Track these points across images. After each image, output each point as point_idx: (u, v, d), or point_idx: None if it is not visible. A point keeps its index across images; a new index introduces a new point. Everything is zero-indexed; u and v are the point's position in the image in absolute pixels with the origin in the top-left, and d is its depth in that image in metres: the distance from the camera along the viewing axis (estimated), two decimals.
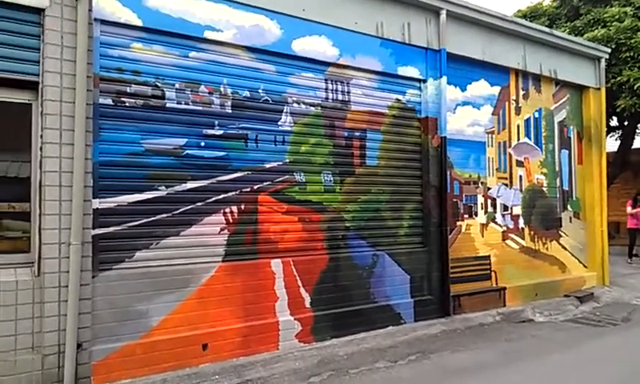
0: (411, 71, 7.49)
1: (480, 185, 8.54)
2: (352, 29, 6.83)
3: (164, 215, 5.44)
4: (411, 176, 7.50)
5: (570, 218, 10.05)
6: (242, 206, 5.93)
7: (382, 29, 7.14)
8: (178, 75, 5.61)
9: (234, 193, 5.88)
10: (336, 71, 6.77)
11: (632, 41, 12.26)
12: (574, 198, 10.23)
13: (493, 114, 8.80)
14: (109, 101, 5.22)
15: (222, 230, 5.77)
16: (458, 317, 7.58)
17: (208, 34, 5.75)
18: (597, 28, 12.95)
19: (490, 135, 8.75)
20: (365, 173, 7.00)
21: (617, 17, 12.84)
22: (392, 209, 7.25)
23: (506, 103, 9.02)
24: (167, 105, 5.53)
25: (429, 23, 7.65)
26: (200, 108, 5.72)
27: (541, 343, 6.69)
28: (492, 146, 8.78)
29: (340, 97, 6.83)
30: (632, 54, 12.25)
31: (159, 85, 5.49)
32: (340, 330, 6.47)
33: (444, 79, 7.69)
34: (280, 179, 6.23)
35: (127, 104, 5.33)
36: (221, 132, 5.83)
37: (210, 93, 5.79)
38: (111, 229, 5.17)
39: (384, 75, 7.23)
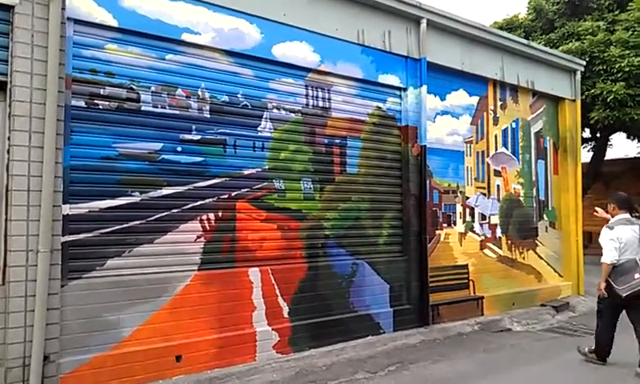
0: (392, 79, 7.45)
1: (459, 194, 8.54)
2: (333, 35, 6.77)
3: (137, 222, 5.25)
4: (391, 184, 7.45)
5: (546, 227, 10.14)
6: (220, 213, 5.78)
7: (363, 36, 7.09)
8: (154, 78, 5.45)
9: (211, 199, 5.72)
10: (317, 77, 6.69)
11: (605, 54, 12.48)
12: (550, 208, 10.33)
13: (471, 123, 8.83)
14: (81, 103, 5.03)
15: (198, 237, 5.60)
16: (436, 326, 7.53)
17: (186, 37, 5.61)
18: (571, 41, 13.18)
19: (468, 145, 8.77)
20: (345, 180, 6.91)
21: (590, 30, 13.08)
22: (372, 217, 7.18)
23: (485, 113, 9.07)
24: (142, 108, 5.36)
25: (409, 32, 7.64)
26: (177, 112, 5.56)
27: (520, 353, 6.68)
28: (470, 155, 8.81)
29: (320, 103, 6.74)
30: (605, 67, 12.47)
31: (134, 87, 5.32)
32: (319, 340, 6.34)
33: (424, 88, 7.68)
34: (259, 186, 6.09)
35: (101, 106, 5.14)
36: (198, 137, 5.68)
37: (187, 97, 5.64)
38: (82, 236, 4.96)
39: (365, 83, 7.18)
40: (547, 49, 10.20)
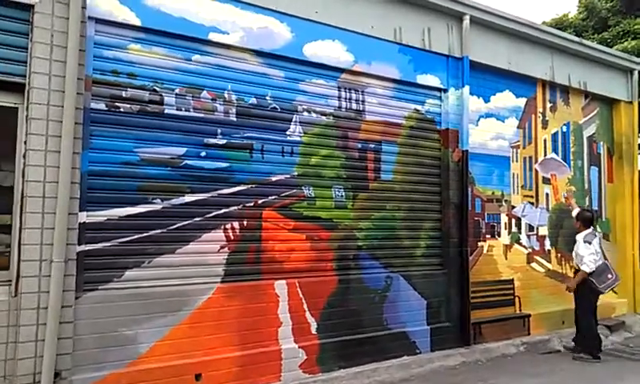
0: (431, 80, 6.98)
1: (504, 203, 7.96)
2: (368, 33, 6.36)
3: (158, 231, 4.98)
4: (429, 192, 6.96)
5: (600, 239, 9.36)
6: (245, 222, 5.45)
7: (401, 34, 6.65)
8: (179, 79, 5.18)
9: (236, 207, 5.40)
10: (350, 78, 6.30)
11: None
12: (604, 219, 9.57)
13: (518, 127, 8.24)
14: (102, 105, 4.80)
15: (221, 247, 5.30)
16: (478, 347, 6.98)
17: (212, 36, 5.32)
18: (627, 40, 12.33)
19: (514, 149, 8.18)
20: (379, 188, 6.48)
21: None
22: (408, 227, 6.72)
23: (532, 116, 8.45)
24: (166, 111, 5.09)
25: (451, 29, 7.15)
26: (201, 115, 5.28)
27: (570, 379, 6.08)
28: (517, 161, 8.21)
29: (354, 106, 6.34)
30: None
31: (157, 89, 5.06)
32: (349, 359, 5.93)
33: (466, 89, 7.16)
34: (287, 193, 5.74)
35: (122, 109, 4.90)
36: (224, 141, 5.38)
37: (212, 99, 5.35)
38: (99, 245, 4.72)
39: (402, 83, 6.74)
40: (601, 47, 9.46)
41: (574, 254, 7.35)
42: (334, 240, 6.07)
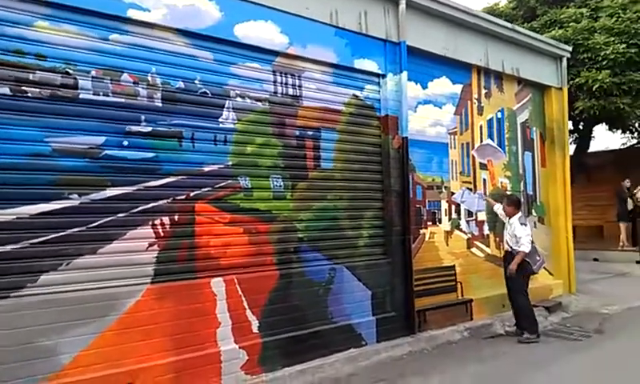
0: (369, 65, 6.79)
1: (443, 189, 7.92)
2: (303, 15, 6.07)
3: (77, 229, 4.48)
4: (371, 180, 6.78)
5: (535, 223, 9.59)
6: (176, 217, 5.03)
7: (337, 17, 6.41)
8: (95, 61, 4.67)
9: (165, 201, 4.97)
10: (285, 62, 5.98)
11: (589, 42, 12.07)
12: (539, 203, 9.80)
13: (455, 113, 8.22)
14: (5, 90, 4.25)
15: (150, 245, 4.85)
16: (423, 335, 6.87)
17: (132, 13, 4.85)
18: (554, 29, 12.74)
19: (452, 136, 8.15)
20: (319, 177, 6.22)
21: (573, 18, 12.66)
22: (350, 217, 6.50)
23: (469, 102, 8.47)
24: (81, 96, 4.58)
25: (387, 13, 6.98)
26: (122, 100, 4.80)
27: (515, 363, 6.07)
28: (455, 147, 8.20)
29: (290, 91, 6.04)
30: (590, 55, 12.05)
31: (70, 72, 4.54)
32: (293, 357, 5.64)
33: (404, 74, 7.03)
34: (221, 185, 5.36)
35: (30, 94, 4.35)
36: (149, 129, 4.93)
37: (134, 83, 4.88)
38: (8, 247, 4.17)
39: (339, 68, 6.50)
40: (532, 34, 9.65)
41: (507, 236, 7.32)
42: (274, 232, 5.75)
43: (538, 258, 7.16)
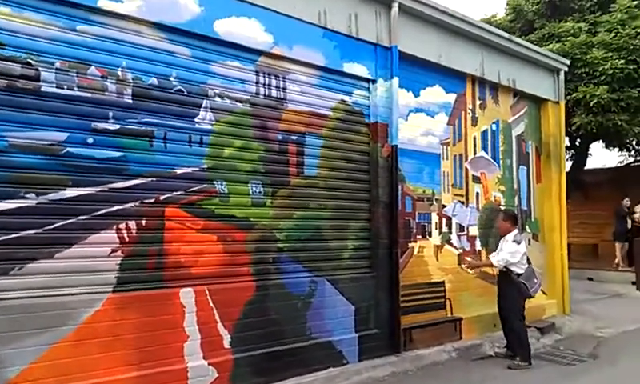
0: (359, 69, 6.49)
1: (434, 202, 7.60)
2: (289, 14, 5.77)
3: (32, 231, 4.13)
4: (357, 189, 6.45)
5: (529, 240, 9.27)
6: (143, 221, 4.69)
7: (326, 17, 6.12)
8: (60, 52, 4.35)
9: (132, 204, 4.63)
10: (269, 62, 5.68)
11: (587, 56, 11.85)
12: (533, 219, 9.49)
13: (448, 123, 7.92)
14: None
15: (113, 251, 4.51)
16: (409, 354, 6.52)
17: (103, 4, 4.54)
18: (552, 42, 12.51)
19: (444, 147, 7.85)
20: (302, 184, 5.89)
21: (572, 32, 12.46)
22: (334, 227, 6.16)
23: (462, 112, 8.18)
24: (43, 88, 4.26)
25: (379, 16, 6.70)
26: (88, 95, 4.47)
27: None
28: (447, 158, 7.89)
29: (274, 93, 5.73)
30: (587, 70, 11.82)
31: (32, 62, 4.22)
32: (267, 375, 5.28)
33: (395, 80, 6.74)
34: (195, 189, 5.03)
35: None
36: (117, 127, 4.60)
37: (102, 77, 4.56)
38: None
39: (327, 71, 6.20)
40: (530, 45, 9.41)
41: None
42: (251, 241, 5.41)
43: (535, 280, 6.78)
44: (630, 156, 16.59)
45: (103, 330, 4.36)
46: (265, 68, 5.65)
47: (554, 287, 9.43)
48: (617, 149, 16.25)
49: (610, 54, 11.63)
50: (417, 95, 7.45)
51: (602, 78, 11.54)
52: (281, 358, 5.43)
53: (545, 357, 7.05)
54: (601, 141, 15.19)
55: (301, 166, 5.90)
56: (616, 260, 13.90)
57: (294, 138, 5.86)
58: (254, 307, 5.31)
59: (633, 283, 12.87)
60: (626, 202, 13.84)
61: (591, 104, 11.53)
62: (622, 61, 11.44)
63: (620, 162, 17.14)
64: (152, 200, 4.75)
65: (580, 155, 15.65)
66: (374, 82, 6.64)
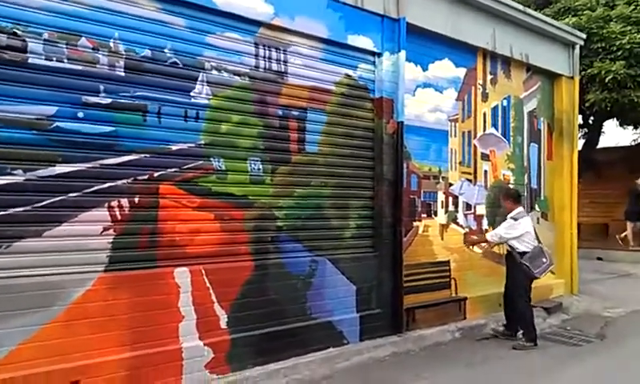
0: (364, 42, 6.24)
1: (441, 180, 7.39)
2: None
3: (20, 209, 4.00)
4: (361, 167, 6.26)
5: (538, 218, 9.07)
6: (136, 199, 4.55)
7: None
8: (48, 22, 4.15)
9: (124, 181, 4.48)
10: (269, 34, 5.45)
11: (604, 31, 11.42)
12: (542, 197, 9.26)
13: (457, 99, 7.66)
14: None
15: (105, 229, 4.38)
16: (411, 334, 6.41)
17: None
18: (567, 16, 12.07)
19: (453, 123, 7.61)
20: (304, 161, 5.71)
21: (588, 5, 12.00)
22: (336, 205, 6.00)
23: (472, 88, 7.90)
24: (30, 60, 4.07)
25: None
26: (79, 67, 4.29)
27: (509, 369, 5.64)
28: (455, 135, 7.65)
29: (274, 66, 5.51)
30: (604, 45, 11.42)
31: (19, 32, 4.03)
32: (265, 355, 5.19)
33: (402, 54, 6.48)
34: (191, 165, 4.87)
35: None
36: (108, 100, 4.42)
37: (94, 48, 4.37)
38: None
39: (331, 44, 5.95)
40: (544, 17, 9.04)
41: None
42: (250, 220, 5.27)
43: (544, 260, 6.49)
44: None
45: (95, 311, 4.25)
46: (265, 40, 5.42)
47: (562, 267, 9.24)
48: (631, 127, 15.84)
49: (629, 27, 11.21)
50: (425, 69, 7.19)
51: (619, 53, 11.15)
52: (280, 338, 5.33)
53: (551, 337, 6.92)
54: (615, 119, 14.80)
55: (302, 142, 5.71)
56: (623, 234, 13.65)
57: (295, 113, 5.66)
58: (252, 287, 5.19)
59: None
60: None
61: (607, 80, 11.16)
62: None
63: (634, 141, 16.71)
64: (145, 177, 4.59)
65: (593, 133, 15.26)
66: (379, 55, 6.39)
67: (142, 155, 4.57)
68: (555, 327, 7.52)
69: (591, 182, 15.80)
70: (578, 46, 9.45)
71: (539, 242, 6.69)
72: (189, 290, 4.77)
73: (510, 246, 6.62)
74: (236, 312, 5.06)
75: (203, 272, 4.87)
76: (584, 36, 9.71)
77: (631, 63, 11.16)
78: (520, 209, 6.75)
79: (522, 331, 6.60)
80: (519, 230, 6.50)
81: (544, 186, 9.29)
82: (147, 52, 4.64)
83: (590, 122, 15.14)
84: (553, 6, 13.02)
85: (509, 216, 6.69)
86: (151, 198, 4.62)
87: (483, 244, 7.50)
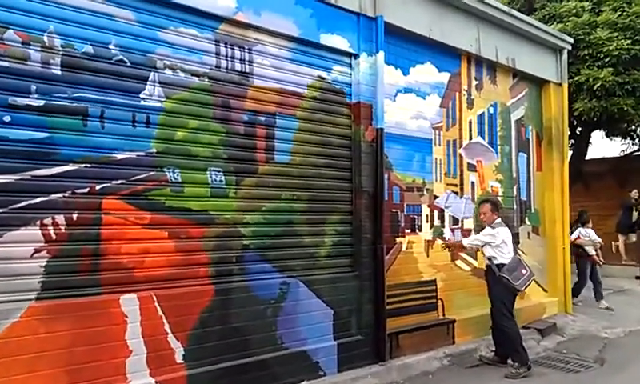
0: (339, 41, 5.74)
1: (425, 192, 6.86)
2: None
3: None
4: (337, 178, 5.72)
5: (529, 233, 8.58)
6: (75, 216, 3.95)
7: None
8: None
9: (60, 195, 3.89)
10: (232, 30, 4.92)
11: (591, 37, 11.04)
12: (533, 210, 8.78)
13: (441, 105, 7.18)
14: None
15: (37, 251, 3.77)
16: (395, 362, 5.82)
17: None
18: (553, 23, 11.71)
19: (437, 131, 7.11)
20: (273, 172, 5.16)
21: (574, 11, 11.65)
22: (310, 221, 5.43)
23: (457, 94, 7.43)
24: None
25: None
26: (6, 64, 3.72)
27: None
28: (440, 144, 7.15)
29: (238, 66, 4.98)
30: (591, 52, 11.02)
31: None
32: None
33: (381, 55, 5.99)
34: (140, 177, 4.29)
35: None
36: (41, 102, 3.85)
37: (24, 43, 3.80)
38: None
39: (301, 43, 5.45)
40: (530, 20, 8.64)
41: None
42: (210, 238, 4.68)
43: (524, 271, 6.01)
44: (633, 144, 15.82)
45: (24, 346, 3.63)
46: (227, 37, 4.89)
47: (555, 284, 8.75)
48: (619, 137, 15.52)
49: (616, 34, 10.83)
50: (406, 73, 6.71)
51: (607, 60, 10.74)
52: (246, 372, 4.71)
53: (546, 362, 6.38)
54: (602, 129, 14.46)
55: (271, 151, 5.16)
56: (618, 252, 13.26)
57: (263, 119, 5.12)
58: (213, 315, 4.59)
59: (637, 278, 12.22)
60: (635, 193, 13.15)
61: (595, 88, 10.75)
62: (629, 41, 10.63)
63: (622, 151, 16.38)
64: (85, 190, 4.00)
65: (581, 144, 14.89)
66: (356, 56, 5.89)
67: (82, 165, 3.99)
68: (550, 351, 6.99)
69: (580, 194, 15.41)
70: (565, 51, 9.07)
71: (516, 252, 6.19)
72: (137, 320, 4.15)
73: (488, 259, 6.15)
74: (194, 344, 4.44)
75: (155, 298, 4.26)
76: (571, 40, 9.36)
77: (619, 70, 10.79)
78: (499, 219, 6.29)
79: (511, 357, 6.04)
80: (497, 238, 6.07)
81: (534, 199, 8.82)
82: (88, 48, 4.08)
83: (578, 132, 14.77)
84: (537, 12, 12.68)
85: (487, 225, 6.25)
86: (93, 215, 4.03)
87: (458, 246, 6.88)
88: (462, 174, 7.43)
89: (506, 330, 5.99)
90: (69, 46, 3.98)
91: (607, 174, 15.66)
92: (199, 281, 4.56)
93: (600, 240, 9.91)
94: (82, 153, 4.00)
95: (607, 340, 7.39)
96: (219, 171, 4.76)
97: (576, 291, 9.56)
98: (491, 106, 7.97)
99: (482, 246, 6.23)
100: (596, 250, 9.82)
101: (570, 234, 9.40)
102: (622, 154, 16.25)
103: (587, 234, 9.77)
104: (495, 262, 6.03)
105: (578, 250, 9.84)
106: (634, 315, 8.74)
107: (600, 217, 15.37)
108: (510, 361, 6.04)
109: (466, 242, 6.47)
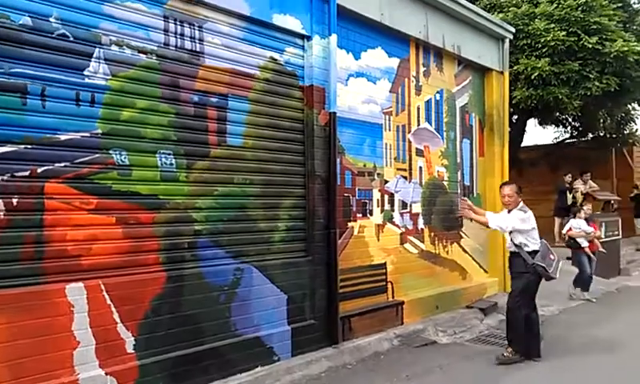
0: (291, 22, 5.63)
1: (376, 176, 6.92)
2: None
3: None
4: (290, 162, 5.65)
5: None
6: (14, 201, 3.68)
7: None
8: None
9: None
10: (181, 7, 4.72)
11: (529, 28, 11.51)
12: (475, 195, 9.06)
13: (391, 90, 7.23)
14: None
15: None
16: (348, 345, 5.87)
17: None
18: (494, 13, 12.07)
19: (387, 116, 7.17)
20: (225, 155, 5.02)
21: (514, 2, 12.09)
22: (263, 205, 5.35)
23: (406, 80, 7.51)
24: None
25: None
26: None
27: (452, 380, 5.19)
28: (390, 129, 7.22)
29: (188, 44, 4.78)
30: (529, 42, 11.50)
31: None
32: (183, 380, 4.46)
33: (334, 38, 5.95)
34: (85, 159, 4.05)
35: None
36: None
37: None
38: None
39: (253, 23, 5.30)
40: (475, 8, 8.82)
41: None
42: (161, 223, 4.50)
43: (552, 256, 5.62)
44: (565, 132, 16.67)
45: None
46: (176, 13, 4.68)
47: (495, 265, 9.11)
48: (551, 125, 16.30)
49: (552, 25, 11.33)
50: (357, 58, 6.70)
51: (544, 50, 11.25)
52: (199, 360, 4.60)
53: (489, 340, 6.72)
54: (535, 117, 15.12)
55: (222, 133, 5.02)
56: (554, 235, 13.95)
57: (214, 100, 4.96)
58: (164, 302, 4.43)
59: (568, 258, 12.92)
60: (568, 177, 13.84)
61: (532, 77, 11.23)
62: (564, 32, 11.17)
63: (555, 139, 17.23)
64: (26, 173, 3.74)
65: (517, 132, 15.51)
66: (309, 38, 5.82)
67: (21, 146, 3.72)
68: (493, 328, 7.31)
69: (515, 179, 16.07)
70: (507, 40, 9.36)
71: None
72: (85, 310, 3.94)
73: (516, 246, 5.69)
74: (145, 333, 4.28)
75: (103, 287, 4.05)
76: (513, 30, 9.68)
77: (555, 60, 11.31)
78: (522, 203, 5.86)
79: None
80: (528, 224, 5.63)
81: (476, 183, 9.11)
82: (27, 20, 3.78)
83: (514, 120, 15.37)
84: (480, 1, 13.04)
85: (517, 208, 5.75)
86: (34, 199, 3.77)
87: (474, 220, 6.30)
88: (410, 159, 7.54)
89: (526, 321, 5.61)
90: (4, 16, 3.67)
91: (541, 160, 16.43)
92: (149, 268, 4.39)
93: (593, 230, 9.55)
94: (21, 133, 3.72)
95: (544, 317, 7.75)
96: (169, 154, 4.58)
97: (578, 283, 9.35)
98: (438, 92, 8.12)
99: (511, 232, 5.70)
100: (591, 241, 9.60)
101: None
102: (554, 141, 17.06)
103: (579, 226, 9.50)
104: (526, 249, 5.57)
105: (570, 242, 9.70)
106: (567, 291, 9.25)
107: (532, 201, 16.15)
108: (509, 348, 5.73)
109: (493, 223, 5.84)
